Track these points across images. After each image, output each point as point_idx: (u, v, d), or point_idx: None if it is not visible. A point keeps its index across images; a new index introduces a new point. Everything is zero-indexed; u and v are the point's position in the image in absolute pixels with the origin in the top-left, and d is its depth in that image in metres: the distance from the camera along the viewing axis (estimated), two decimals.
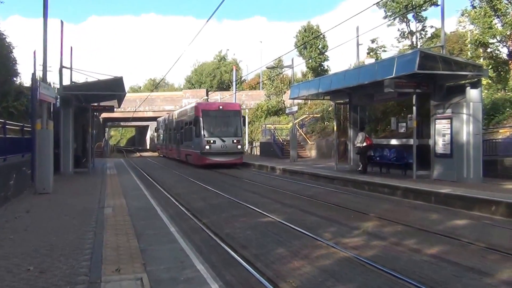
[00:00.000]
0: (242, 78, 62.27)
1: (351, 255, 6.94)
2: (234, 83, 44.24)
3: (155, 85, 78.13)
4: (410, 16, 31.81)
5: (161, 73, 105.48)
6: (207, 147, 25.77)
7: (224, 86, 67.49)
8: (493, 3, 22.73)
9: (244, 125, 29.05)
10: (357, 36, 27.86)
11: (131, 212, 9.83)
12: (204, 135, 25.97)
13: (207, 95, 44.68)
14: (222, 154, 26.04)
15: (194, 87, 69.99)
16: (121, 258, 5.96)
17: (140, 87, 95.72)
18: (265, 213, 10.73)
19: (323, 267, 6.35)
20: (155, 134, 52.58)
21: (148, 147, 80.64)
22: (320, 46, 44.04)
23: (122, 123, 77.72)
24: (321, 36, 42.89)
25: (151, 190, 14.95)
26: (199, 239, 8.17)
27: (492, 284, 5.56)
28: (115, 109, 25.09)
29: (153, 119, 64.31)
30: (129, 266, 5.61)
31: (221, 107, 27.84)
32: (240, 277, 5.97)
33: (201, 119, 26.37)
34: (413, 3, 29.90)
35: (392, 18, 30.88)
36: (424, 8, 30.80)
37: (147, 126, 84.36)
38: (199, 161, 26.58)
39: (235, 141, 26.53)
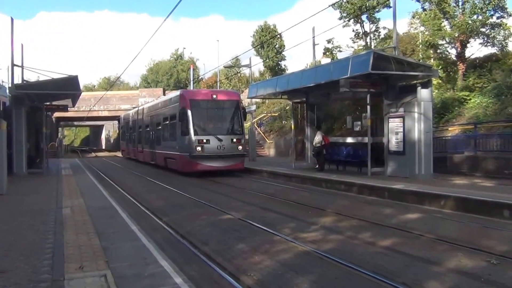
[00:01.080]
0: (200, 77, 62.11)
1: (310, 249, 7.19)
2: (191, 82, 44.03)
3: (110, 84, 76.60)
4: (364, 17, 32.71)
5: (115, 72, 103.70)
6: (199, 148, 19.49)
7: (181, 85, 66.99)
8: (442, 6, 23.69)
9: (245, 119, 22.21)
10: (313, 37, 28.38)
11: (91, 212, 9.74)
12: (194, 132, 19.66)
13: (164, 94, 44.06)
14: (219, 158, 19.81)
15: (151, 86, 69.23)
16: (83, 256, 5.96)
17: (95, 85, 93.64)
18: (224, 211, 10.87)
19: (283, 261, 6.56)
20: (120, 132, 44.53)
21: (103, 147, 78.97)
22: (277, 46, 44.56)
23: (76, 123, 75.81)
24: (278, 35, 43.40)
25: (109, 190, 14.77)
26: (160, 237, 8.22)
27: (440, 272, 5.92)
28: (69, 108, 24.55)
29: (109, 118, 63.12)
30: (92, 263, 5.63)
31: (214, 96, 21.12)
32: (202, 272, 6.10)
33: (189, 111, 19.93)
34: (367, 4, 30.78)
35: (347, 19, 31.66)
36: (377, 9, 31.77)
37: (102, 125, 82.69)
38: (187, 167, 20.29)
39: (235, 140, 20.32)
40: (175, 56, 78.05)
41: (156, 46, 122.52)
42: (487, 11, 23.21)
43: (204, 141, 19.65)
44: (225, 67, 35.75)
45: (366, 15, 31.97)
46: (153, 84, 71.40)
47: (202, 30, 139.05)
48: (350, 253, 6.92)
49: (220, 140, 19.82)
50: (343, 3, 31.06)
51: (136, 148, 32.91)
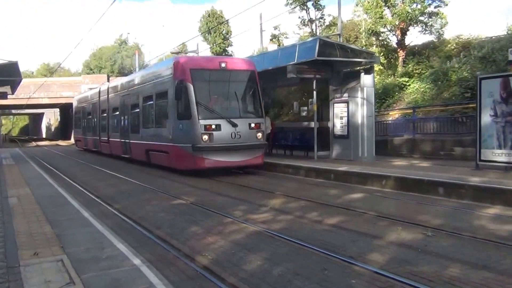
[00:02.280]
0: (145, 63, 60.91)
1: (261, 229, 7.51)
2: (136, 68, 43.13)
3: (50, 70, 73.58)
4: (310, 4, 33.28)
5: (55, 57, 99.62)
6: (205, 137, 14.01)
7: (126, 72, 65.47)
8: None
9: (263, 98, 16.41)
10: (261, 23, 28.68)
11: (39, 200, 9.60)
12: (198, 115, 14.10)
13: (108, 80, 42.77)
14: (233, 150, 14.32)
15: (93, 72, 67.12)
16: (37, 243, 5.96)
17: (33, 72, 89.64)
18: (176, 196, 11.02)
19: (236, 241, 6.83)
20: (73, 118, 36.21)
21: (44, 136, 76.14)
22: (224, 32, 44.47)
23: (14, 111, 72.57)
24: (225, 21, 43.33)
25: (56, 179, 14.47)
26: (114, 222, 8.27)
27: (381, 245, 6.40)
28: (8, 96, 23.54)
29: (50, 106, 60.84)
30: (47, 250, 5.66)
31: (223, 64, 15.24)
32: (158, 254, 6.26)
33: (190, 86, 14.27)
34: None
35: (293, 6, 32.10)
36: None
37: (43, 113, 79.61)
38: (186, 162, 14.73)
39: (253, 125, 14.80)
40: (119, 42, 75.93)
41: (99, 31, 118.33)
42: (425, 0, 24.32)
43: (213, 126, 14.06)
44: (172, 53, 35.27)
45: (312, 2, 32.53)
46: (96, 70, 69.23)
47: (147, 14, 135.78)
48: (299, 231, 7.29)
49: (234, 125, 14.22)
50: None
51: (98, 137, 26.52)
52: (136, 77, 20.65)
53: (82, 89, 45.24)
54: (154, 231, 7.61)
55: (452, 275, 5.06)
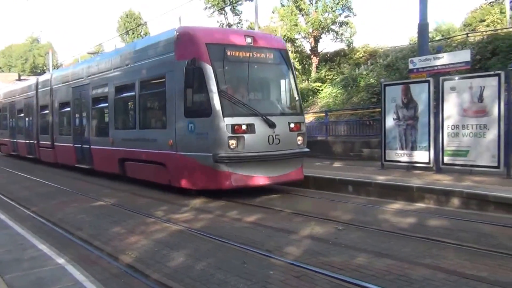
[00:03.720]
0: (59, 62, 58.24)
1: (183, 228, 7.73)
2: (50, 67, 41.11)
3: None
4: (228, 9, 33.79)
5: None
6: (233, 142, 9.78)
7: (38, 71, 62.08)
8: (298, 4, 25.70)
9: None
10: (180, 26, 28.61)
11: None
12: (222, 110, 9.80)
13: (19, 79, 40.14)
14: (270, 161, 10.33)
15: (3, 70, 62.97)
16: None
17: None
18: (96, 198, 10.88)
19: (159, 240, 7.00)
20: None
21: None
22: (142, 33, 43.84)
23: None
24: (144, 23, 42.81)
25: None
26: (33, 225, 8.06)
27: (296, 239, 6.88)
28: None
29: None
30: None
31: (249, 39, 10.86)
32: (81, 254, 6.28)
33: (209, 68, 9.99)
34: None
35: (211, 10, 32.46)
36: (240, 2, 33.08)
37: None
38: (203, 179, 10.38)
39: (293, 125, 10.77)
40: (30, 39, 71.86)
41: (7, 27, 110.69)
42: (336, 10, 25.79)
43: (244, 127, 9.88)
44: (89, 53, 34.03)
45: (230, 7, 33.08)
46: (5, 68, 64.96)
47: (62, 11, 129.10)
48: (220, 229, 7.59)
49: (272, 125, 10.14)
50: None
51: (35, 141, 20.68)
52: (101, 61, 15.17)
53: None
54: (75, 232, 7.57)
55: (359, 263, 5.61)
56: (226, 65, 10.40)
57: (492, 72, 11.87)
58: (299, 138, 10.94)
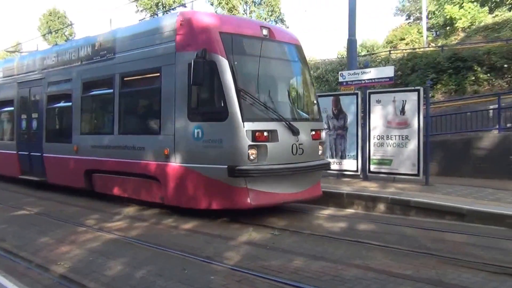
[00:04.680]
0: None
1: (117, 236, 7.57)
2: None
3: None
4: (160, 13, 33.51)
5: None
6: (253, 152, 8.06)
7: None
8: (233, 13, 26.11)
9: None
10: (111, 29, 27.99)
11: None
12: (242, 113, 8.05)
13: None
14: (293, 175, 8.69)
15: None
16: None
17: None
18: (17, 207, 10.34)
19: (92, 249, 6.80)
20: None
21: None
22: (67, 33, 42.15)
23: None
24: (70, 24, 41.24)
25: None
26: None
27: (235, 245, 6.98)
28: None
29: None
30: None
31: (265, 30, 9.22)
32: (8, 266, 5.97)
33: (224, 62, 8.22)
34: (164, 1, 31.76)
35: (144, 14, 32.11)
36: (173, 7, 32.91)
37: None
38: (215, 197, 8.53)
39: (314, 133, 9.21)
40: None
41: None
42: (270, 21, 26.43)
43: (265, 134, 8.28)
44: (6, 51, 32.11)
45: (163, 11, 32.85)
46: None
47: None
48: (157, 237, 7.52)
49: (296, 132, 8.62)
50: None
51: None
52: (63, 52, 12.50)
53: None
54: None
55: (296, 266, 5.81)
56: (243, 59, 8.81)
57: (412, 88, 12.80)
58: (320, 147, 9.46)
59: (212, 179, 8.36)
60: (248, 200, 8.19)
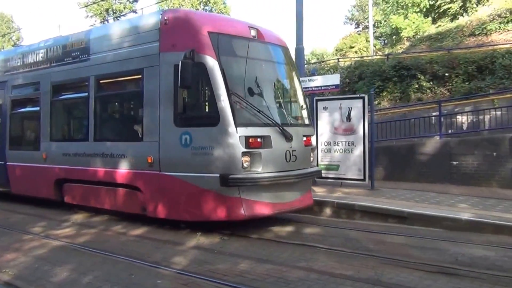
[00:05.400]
0: None
1: (64, 243, 7.52)
2: None
3: None
4: (111, 19, 33.04)
5: None
6: (246, 159, 7.60)
7: None
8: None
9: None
10: (60, 35, 27.40)
11: None
12: (234, 118, 7.58)
13: None
14: (287, 184, 8.28)
15: None
16: None
17: None
18: None
19: (39, 256, 6.74)
20: None
21: None
22: (14, 38, 40.88)
23: None
24: (18, 29, 40.08)
25: None
26: None
27: (183, 250, 7.09)
28: None
29: None
30: None
31: (253, 31, 8.78)
32: None
33: (214, 63, 7.73)
34: (114, 8, 31.35)
35: (93, 19, 31.57)
36: (124, 13, 32.56)
37: None
38: (205, 208, 7.96)
39: (305, 138, 8.82)
40: None
41: None
42: None
43: (259, 140, 7.85)
44: None
45: (113, 17, 32.42)
46: None
47: None
48: (105, 243, 7.53)
49: (289, 138, 8.22)
50: (89, 3, 30.93)
51: None
52: (29, 53, 11.61)
53: None
54: None
55: (242, 269, 5.99)
56: (234, 61, 8.30)
57: (357, 95, 13.31)
58: (312, 154, 9.12)
59: (202, 189, 7.85)
60: (242, 211, 7.73)
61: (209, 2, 32.99)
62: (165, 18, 8.34)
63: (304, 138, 8.71)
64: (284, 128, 8.12)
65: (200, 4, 33.18)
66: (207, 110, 8.18)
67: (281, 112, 8.86)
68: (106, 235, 8.23)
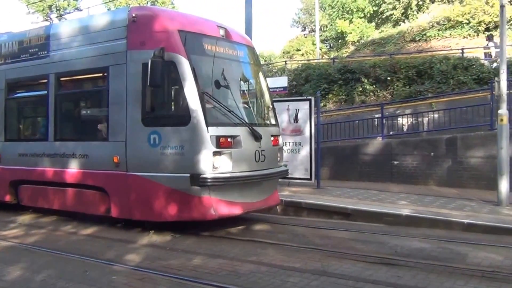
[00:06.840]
0: None
1: (14, 244, 7.47)
2: None
3: None
4: (54, 16, 32.13)
5: None
6: (218, 159, 7.57)
7: None
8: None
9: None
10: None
11: None
12: (206, 117, 7.53)
13: None
14: (256, 183, 8.37)
15: None
16: None
17: None
18: None
19: None
20: None
21: None
22: None
23: None
24: None
25: None
26: None
27: (135, 247, 7.23)
28: None
29: None
30: None
31: (222, 31, 8.70)
32: None
33: (185, 62, 7.64)
34: (57, 4, 30.53)
35: (37, 17, 30.60)
36: (69, 11, 31.75)
37: None
38: (174, 208, 7.81)
39: (273, 138, 8.87)
40: None
41: None
42: None
43: (229, 140, 7.85)
44: None
45: (57, 15, 31.53)
46: None
47: None
48: (55, 243, 7.53)
49: (258, 137, 8.21)
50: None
51: None
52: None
53: None
54: None
55: (195, 264, 6.22)
56: (204, 60, 8.16)
57: (304, 97, 13.79)
58: (279, 154, 9.16)
59: (171, 189, 7.73)
60: (212, 211, 7.65)
61: (157, 2, 32.80)
62: (133, 15, 8.09)
63: (272, 138, 8.78)
64: (254, 128, 8.15)
65: (147, 3, 32.93)
66: (177, 110, 8.04)
67: (250, 112, 8.87)
68: (56, 235, 8.20)
